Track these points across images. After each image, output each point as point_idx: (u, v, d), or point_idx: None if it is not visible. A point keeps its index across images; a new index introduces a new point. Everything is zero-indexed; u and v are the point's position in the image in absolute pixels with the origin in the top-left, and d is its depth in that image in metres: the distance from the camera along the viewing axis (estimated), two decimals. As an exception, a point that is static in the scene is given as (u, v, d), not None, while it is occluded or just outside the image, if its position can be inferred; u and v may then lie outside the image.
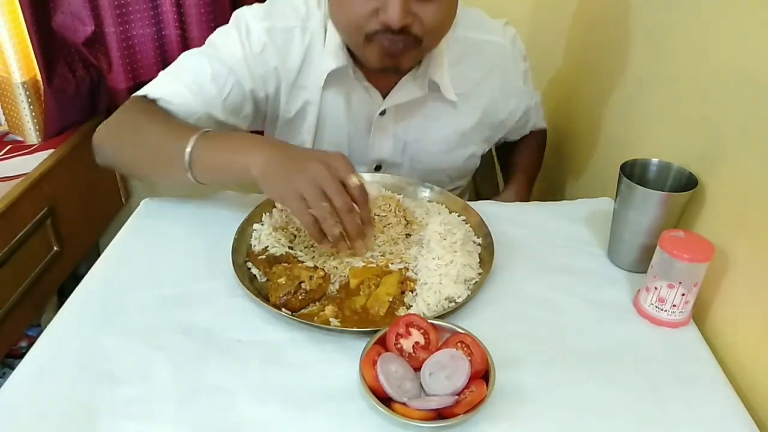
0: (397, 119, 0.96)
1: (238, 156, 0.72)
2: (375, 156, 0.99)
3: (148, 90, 0.86)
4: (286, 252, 0.78)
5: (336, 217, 0.67)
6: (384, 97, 0.93)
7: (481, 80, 0.97)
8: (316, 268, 0.74)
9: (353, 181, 0.68)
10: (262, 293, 0.72)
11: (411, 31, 0.77)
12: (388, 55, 0.80)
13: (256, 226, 0.83)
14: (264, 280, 0.75)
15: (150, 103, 0.86)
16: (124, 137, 0.84)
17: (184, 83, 0.86)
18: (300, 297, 0.70)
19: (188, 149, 0.74)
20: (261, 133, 1.03)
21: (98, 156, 0.87)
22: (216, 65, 0.87)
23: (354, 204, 0.69)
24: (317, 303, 0.72)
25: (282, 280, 0.71)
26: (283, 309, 0.69)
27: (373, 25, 0.77)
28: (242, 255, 0.78)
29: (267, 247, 0.79)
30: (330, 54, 0.88)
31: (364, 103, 0.94)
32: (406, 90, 0.92)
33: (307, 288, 0.70)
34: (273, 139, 0.74)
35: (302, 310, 0.70)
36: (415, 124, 0.97)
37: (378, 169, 1.01)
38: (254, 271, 0.76)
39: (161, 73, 0.90)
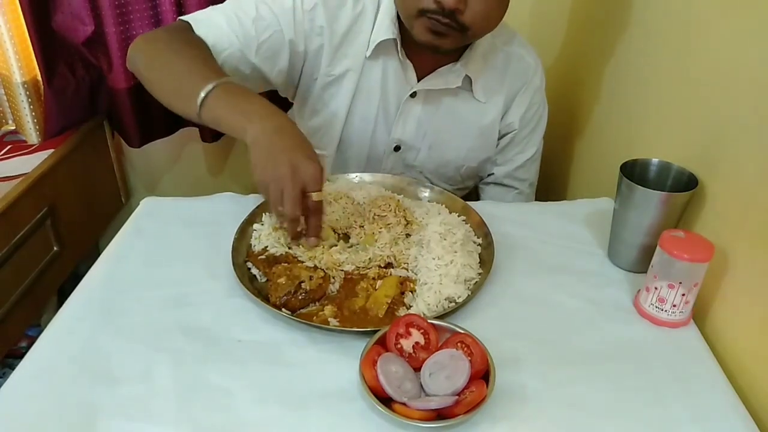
0: (425, 104, 0.99)
1: (241, 118, 0.74)
2: (397, 136, 1.02)
3: (192, 16, 0.90)
4: (286, 252, 0.78)
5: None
6: (419, 81, 0.96)
7: (508, 89, 1.01)
8: (316, 268, 0.74)
9: (313, 195, 0.71)
10: (262, 293, 0.72)
11: (459, 18, 0.80)
12: (433, 32, 0.83)
13: (256, 226, 0.82)
14: (264, 280, 0.75)
15: (190, 29, 0.88)
16: (155, 56, 0.86)
17: (225, 17, 0.89)
18: (300, 297, 0.70)
19: (203, 93, 0.75)
20: (287, 103, 1.07)
21: (129, 63, 0.89)
22: (262, 9, 0.90)
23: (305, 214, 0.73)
24: (317, 303, 0.72)
25: (282, 280, 0.71)
26: (283, 309, 0.69)
27: (427, 3, 0.80)
28: (242, 255, 0.78)
29: (267, 247, 0.78)
30: (382, 26, 0.92)
31: (399, 81, 0.97)
32: (441, 78, 0.96)
33: (307, 288, 0.70)
34: (279, 114, 0.74)
35: (301, 310, 0.70)
36: (441, 114, 1.00)
37: (397, 149, 1.03)
38: (254, 271, 0.76)
39: (210, 6, 0.93)
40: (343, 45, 0.94)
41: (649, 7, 0.98)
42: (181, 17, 0.91)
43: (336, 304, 0.71)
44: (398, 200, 0.87)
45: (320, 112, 1.01)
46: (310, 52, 0.95)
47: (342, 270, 0.75)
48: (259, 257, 0.77)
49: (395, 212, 0.84)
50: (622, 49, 1.06)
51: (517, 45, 1.02)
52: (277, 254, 0.77)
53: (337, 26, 0.93)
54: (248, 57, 0.90)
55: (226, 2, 0.92)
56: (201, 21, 0.89)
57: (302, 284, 0.70)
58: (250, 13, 0.89)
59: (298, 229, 0.74)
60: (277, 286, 0.71)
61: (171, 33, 0.88)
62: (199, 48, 0.85)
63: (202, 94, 0.75)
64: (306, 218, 0.73)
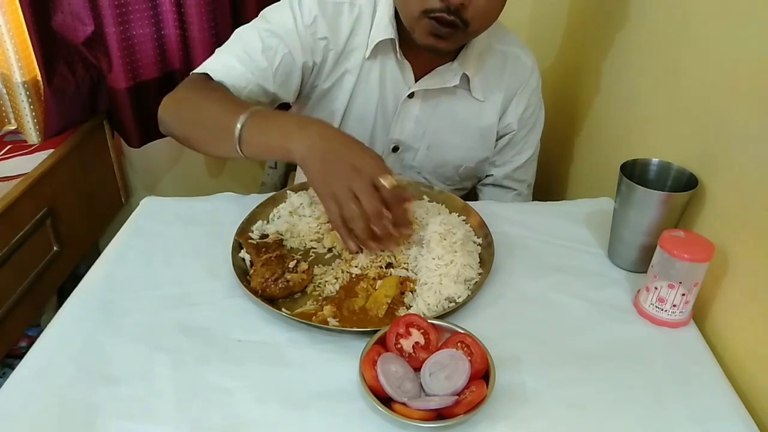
0: (423, 104, 0.99)
1: (282, 140, 0.74)
2: (395, 136, 1.02)
3: (204, 66, 0.91)
4: (281, 242, 0.79)
5: (366, 220, 0.70)
6: (416, 81, 0.96)
7: (506, 88, 1.01)
8: (299, 261, 0.74)
9: (385, 183, 0.70)
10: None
11: (463, 14, 0.81)
12: (434, 36, 0.84)
13: (275, 210, 0.85)
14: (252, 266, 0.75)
15: (206, 78, 0.89)
16: (183, 113, 0.87)
17: (236, 57, 0.89)
18: (280, 286, 0.70)
19: (238, 126, 0.76)
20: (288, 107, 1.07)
21: (161, 126, 0.90)
22: (266, 37, 0.90)
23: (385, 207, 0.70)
24: (296, 295, 0.72)
25: (264, 268, 0.72)
26: (260, 295, 0.69)
27: (433, 2, 0.80)
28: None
29: (268, 234, 0.80)
30: (380, 26, 0.92)
31: (397, 82, 0.97)
32: (438, 78, 0.96)
33: (288, 278, 0.71)
34: (316, 123, 0.75)
35: (299, 309, 0.70)
36: (439, 114, 1.00)
37: (395, 150, 1.04)
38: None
39: (216, 50, 0.93)
40: (344, 51, 0.95)
41: (648, 8, 0.98)
42: (194, 71, 0.91)
43: (336, 304, 0.71)
44: None
45: (318, 114, 1.01)
46: (317, 65, 0.95)
47: (348, 272, 0.76)
48: (249, 241, 0.78)
49: None
50: (621, 49, 1.06)
51: (512, 44, 1.02)
52: (270, 242, 0.78)
53: (339, 35, 0.93)
54: (267, 89, 0.91)
55: (230, 42, 0.92)
56: (215, 69, 0.89)
57: (285, 274, 0.71)
58: (257, 46, 0.89)
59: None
60: (258, 272, 0.72)
61: (191, 87, 0.88)
62: (222, 92, 0.86)
63: (238, 128, 0.75)
64: (389, 210, 0.70)
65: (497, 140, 1.06)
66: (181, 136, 0.87)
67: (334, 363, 0.63)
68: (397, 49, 0.93)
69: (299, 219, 0.84)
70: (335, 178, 0.70)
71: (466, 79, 0.97)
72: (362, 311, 0.70)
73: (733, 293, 0.71)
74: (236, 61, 0.89)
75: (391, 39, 0.91)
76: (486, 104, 1.01)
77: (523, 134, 1.06)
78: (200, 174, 1.78)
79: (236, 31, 0.93)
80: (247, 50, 0.89)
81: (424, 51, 0.87)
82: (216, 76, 0.88)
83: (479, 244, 0.81)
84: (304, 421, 0.57)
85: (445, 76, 0.95)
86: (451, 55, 0.95)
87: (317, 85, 0.98)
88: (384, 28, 0.91)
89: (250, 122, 0.76)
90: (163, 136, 1.53)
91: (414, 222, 0.84)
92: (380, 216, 0.69)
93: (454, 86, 0.96)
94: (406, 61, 0.94)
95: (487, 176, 1.11)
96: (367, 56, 0.94)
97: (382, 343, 0.63)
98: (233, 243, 0.78)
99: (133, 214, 0.87)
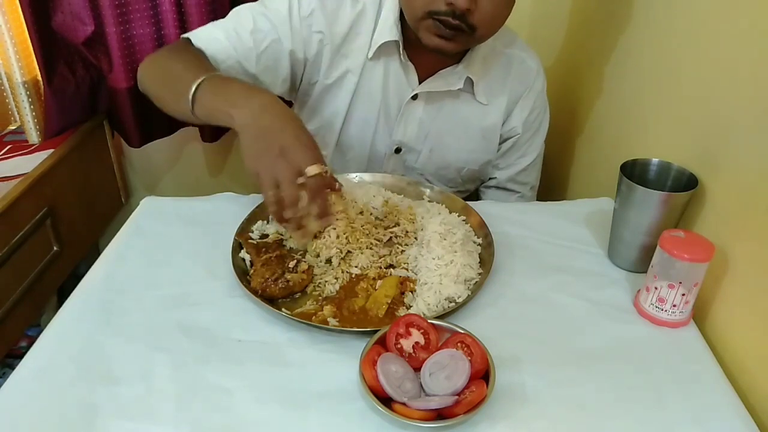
0: (426, 107, 0.99)
1: (227, 105, 0.72)
2: (398, 138, 1.02)
3: (191, 32, 0.92)
4: (282, 243, 0.78)
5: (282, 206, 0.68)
6: (420, 83, 0.96)
7: (510, 92, 1.01)
8: (299, 261, 0.74)
9: (308, 170, 0.67)
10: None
11: (469, 19, 0.81)
12: (439, 36, 0.83)
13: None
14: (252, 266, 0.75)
15: (188, 43, 0.90)
16: (154, 70, 0.89)
17: (224, 31, 0.90)
18: (280, 285, 0.70)
19: (194, 87, 0.75)
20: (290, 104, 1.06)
21: (139, 84, 0.92)
22: (259, 20, 0.90)
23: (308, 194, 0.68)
24: (296, 295, 0.72)
25: (264, 268, 0.72)
26: (261, 295, 0.69)
27: (438, 5, 0.80)
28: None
29: (269, 234, 0.80)
30: (384, 27, 0.91)
31: (401, 83, 0.97)
32: (442, 81, 0.96)
33: (288, 278, 0.71)
34: (262, 93, 0.73)
35: (299, 309, 0.70)
36: (442, 116, 1.00)
37: (398, 151, 1.03)
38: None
39: (211, 22, 0.94)
40: (343, 46, 0.94)
41: (648, 8, 0.98)
42: (182, 36, 0.92)
43: (335, 304, 0.71)
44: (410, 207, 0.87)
45: (319, 114, 1.01)
46: (310, 58, 0.95)
47: (348, 272, 0.75)
48: (249, 241, 0.78)
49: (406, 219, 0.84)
50: (621, 50, 1.06)
51: (518, 48, 1.02)
52: (270, 242, 0.78)
53: (337, 28, 0.93)
54: (247, 68, 0.91)
55: (226, 18, 0.93)
56: (200, 36, 0.90)
57: (285, 274, 0.71)
58: (248, 26, 0.89)
59: (299, 214, 0.68)
60: (258, 272, 0.72)
61: (171, 49, 0.90)
62: (194, 55, 0.86)
63: (192, 91, 0.75)
64: (311, 199, 0.68)
65: (501, 143, 1.06)
66: (152, 94, 0.88)
67: (334, 363, 0.63)
68: (401, 51, 0.93)
69: None
70: (263, 158, 0.68)
71: (470, 82, 0.97)
72: (362, 311, 0.70)
73: (733, 293, 0.71)
74: (223, 35, 0.89)
75: (396, 41, 0.91)
76: (490, 107, 1.01)
77: (528, 137, 1.06)
78: (200, 174, 1.78)
79: (235, 8, 0.93)
80: (236, 28, 0.90)
81: (430, 52, 0.86)
82: (197, 42, 0.89)
83: (479, 244, 0.81)
84: (304, 421, 0.57)
85: (450, 79, 0.95)
86: (456, 58, 0.95)
87: (317, 80, 0.97)
88: (389, 30, 0.91)
89: (207, 83, 0.75)
90: (162, 136, 1.56)
91: (413, 221, 0.84)
92: (293, 205, 0.67)
93: (458, 89, 0.96)
94: (410, 63, 0.94)
95: (490, 179, 1.11)
96: (369, 57, 0.94)
97: (382, 343, 0.63)
98: (233, 243, 0.78)
99: (133, 214, 0.87)
